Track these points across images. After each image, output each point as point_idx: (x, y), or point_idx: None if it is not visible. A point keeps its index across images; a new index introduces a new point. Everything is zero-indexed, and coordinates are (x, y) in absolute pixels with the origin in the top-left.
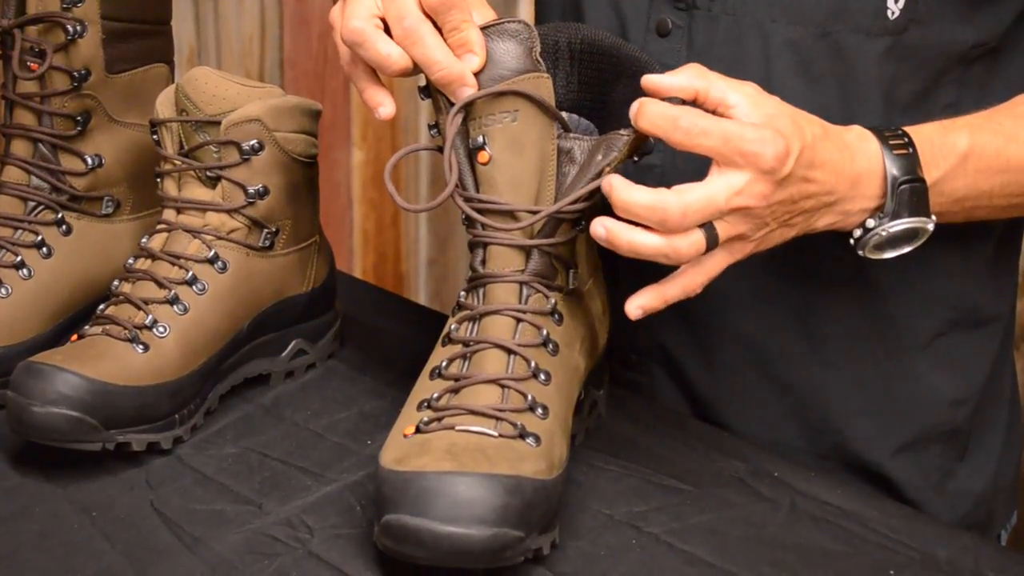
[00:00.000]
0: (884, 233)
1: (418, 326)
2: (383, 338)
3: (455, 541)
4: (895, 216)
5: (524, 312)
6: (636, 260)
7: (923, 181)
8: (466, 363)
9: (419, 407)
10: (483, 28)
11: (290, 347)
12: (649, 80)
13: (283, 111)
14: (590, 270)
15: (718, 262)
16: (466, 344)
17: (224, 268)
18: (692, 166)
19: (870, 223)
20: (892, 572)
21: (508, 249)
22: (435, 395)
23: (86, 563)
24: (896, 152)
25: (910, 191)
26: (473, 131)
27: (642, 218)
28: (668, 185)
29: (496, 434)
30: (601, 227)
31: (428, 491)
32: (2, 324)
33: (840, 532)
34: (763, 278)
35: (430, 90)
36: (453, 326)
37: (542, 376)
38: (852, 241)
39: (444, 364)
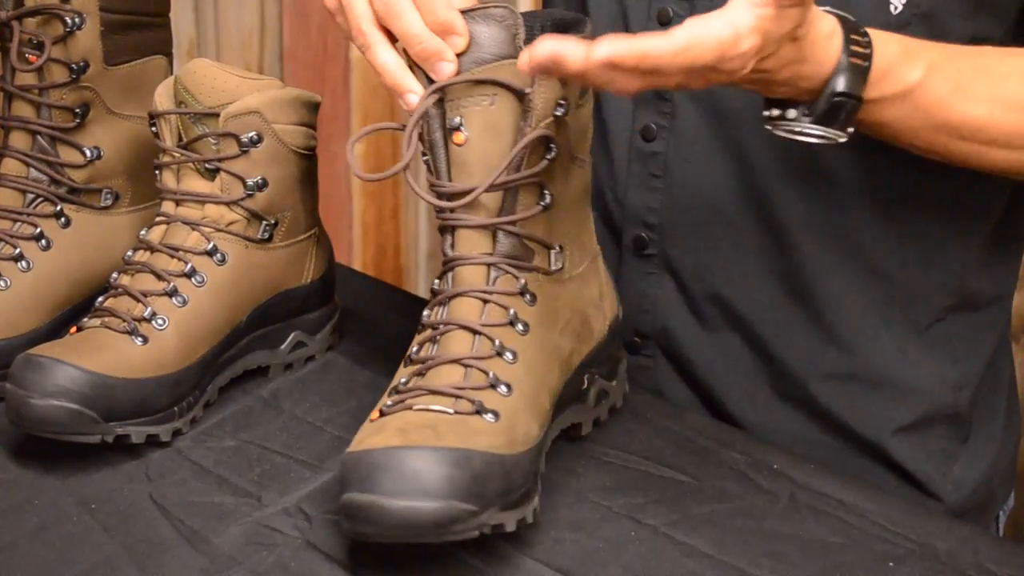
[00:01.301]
0: (798, 130)
1: (417, 319)
2: (382, 331)
3: (402, 514)
4: (817, 120)
5: (491, 293)
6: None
7: (860, 100)
8: (434, 346)
9: (389, 393)
10: (468, 11)
11: (289, 339)
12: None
13: (282, 103)
14: (584, 254)
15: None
16: (434, 328)
17: (223, 260)
18: (694, 151)
19: (791, 113)
20: (891, 564)
21: (473, 231)
22: (403, 380)
23: (85, 555)
24: (852, 60)
25: (843, 105)
26: (450, 111)
27: (596, 76)
28: (672, 172)
29: (452, 412)
30: (547, 51)
31: (375, 467)
32: (1, 317)
33: (839, 524)
34: (764, 261)
35: (410, 68)
36: (426, 312)
37: (508, 355)
38: (764, 113)
39: (415, 350)
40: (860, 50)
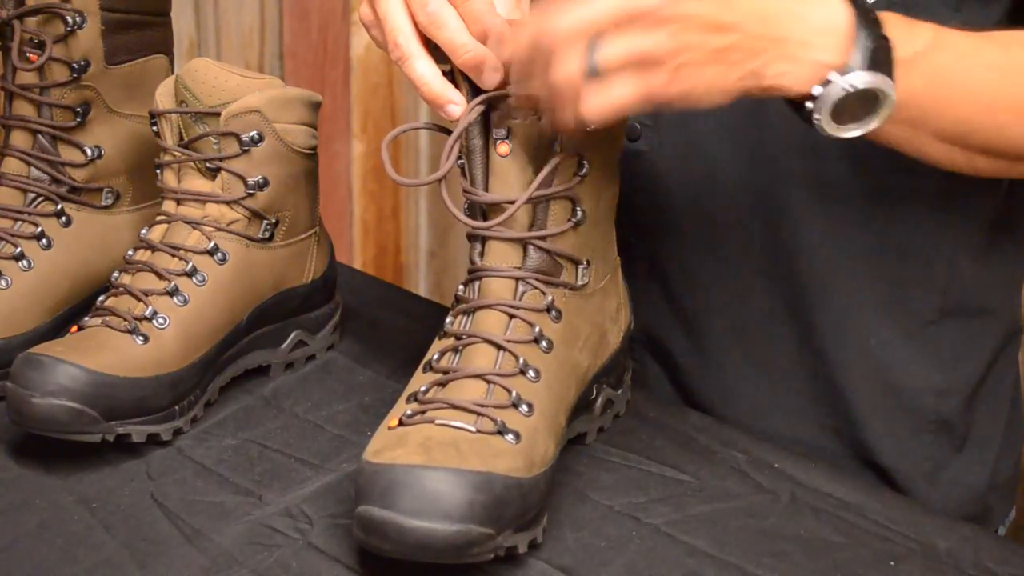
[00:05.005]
0: (849, 88)
1: (418, 318)
2: (383, 330)
3: (419, 535)
4: (868, 68)
5: (517, 308)
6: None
7: (889, 40)
8: (456, 357)
9: (408, 400)
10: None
11: (290, 339)
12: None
13: (283, 102)
14: (607, 267)
15: (625, 89)
16: (458, 337)
17: (224, 259)
18: (679, 150)
19: (833, 76)
20: (892, 563)
21: (504, 244)
22: (423, 388)
23: (86, 554)
24: (864, 15)
25: (877, 47)
26: (498, 122)
27: (526, 54)
28: (658, 172)
29: (474, 430)
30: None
31: (395, 484)
32: (2, 316)
33: (840, 523)
34: (750, 263)
35: (454, 76)
36: (448, 319)
37: (531, 373)
38: (810, 105)
39: (436, 357)
40: (863, 5)
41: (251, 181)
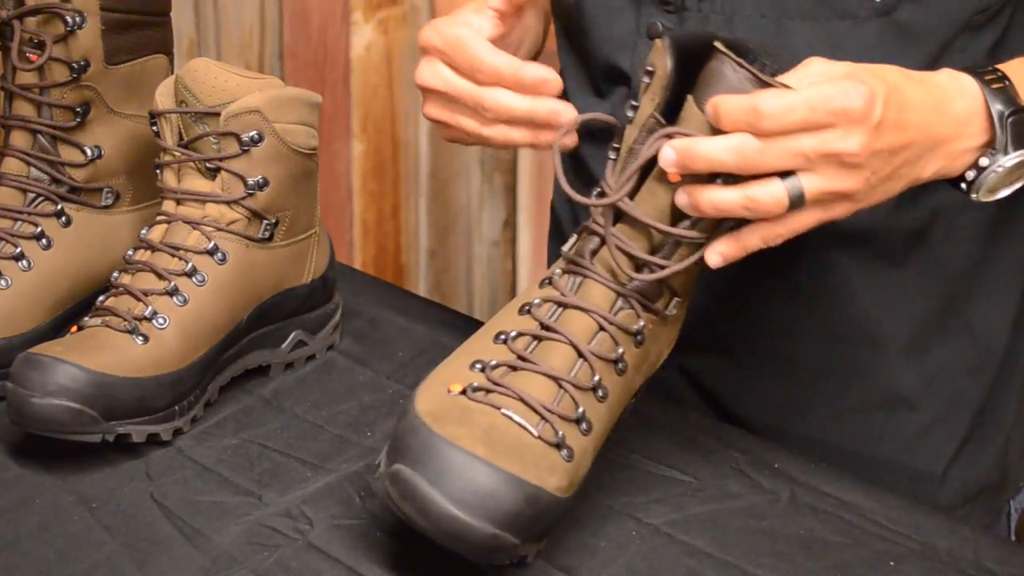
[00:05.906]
0: (1000, 169)
1: (418, 318)
2: (383, 330)
3: (456, 525)
4: (1007, 150)
5: (610, 323)
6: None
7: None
8: (535, 344)
9: (472, 366)
10: (713, 45)
11: (290, 338)
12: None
13: (283, 102)
14: (687, 299)
15: (808, 219)
16: (543, 325)
17: (224, 259)
18: None
19: (984, 161)
20: (892, 563)
21: (624, 256)
22: (493, 362)
23: (86, 555)
24: (993, 86)
25: (1016, 122)
26: None
27: (722, 162)
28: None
29: (536, 434)
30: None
31: (453, 466)
32: (2, 316)
33: (840, 523)
34: (766, 266)
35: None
36: (536, 300)
37: (600, 392)
38: (964, 185)
39: (513, 334)
40: (992, 76)
41: (251, 181)
